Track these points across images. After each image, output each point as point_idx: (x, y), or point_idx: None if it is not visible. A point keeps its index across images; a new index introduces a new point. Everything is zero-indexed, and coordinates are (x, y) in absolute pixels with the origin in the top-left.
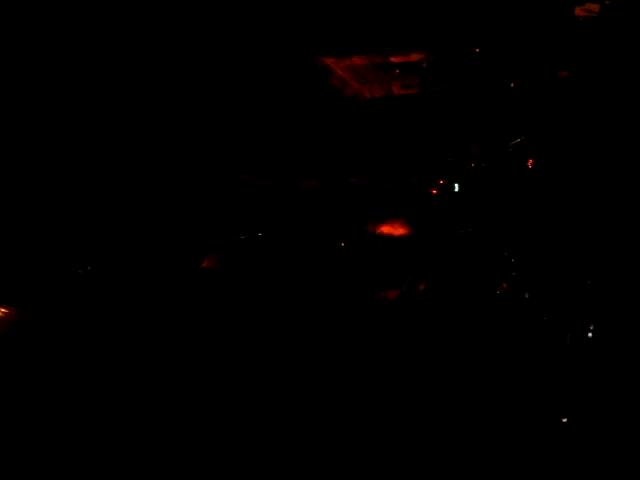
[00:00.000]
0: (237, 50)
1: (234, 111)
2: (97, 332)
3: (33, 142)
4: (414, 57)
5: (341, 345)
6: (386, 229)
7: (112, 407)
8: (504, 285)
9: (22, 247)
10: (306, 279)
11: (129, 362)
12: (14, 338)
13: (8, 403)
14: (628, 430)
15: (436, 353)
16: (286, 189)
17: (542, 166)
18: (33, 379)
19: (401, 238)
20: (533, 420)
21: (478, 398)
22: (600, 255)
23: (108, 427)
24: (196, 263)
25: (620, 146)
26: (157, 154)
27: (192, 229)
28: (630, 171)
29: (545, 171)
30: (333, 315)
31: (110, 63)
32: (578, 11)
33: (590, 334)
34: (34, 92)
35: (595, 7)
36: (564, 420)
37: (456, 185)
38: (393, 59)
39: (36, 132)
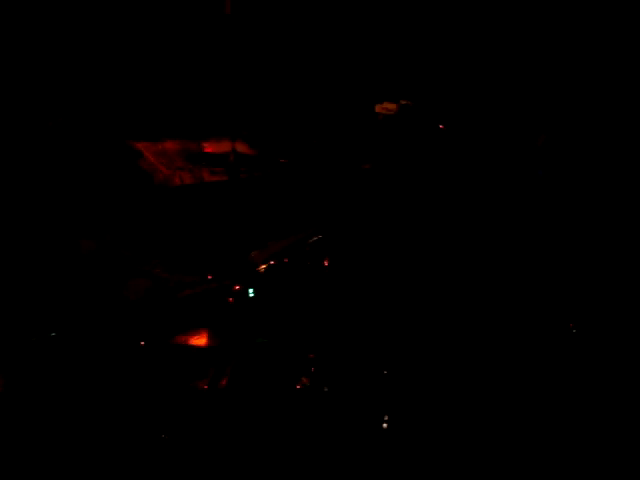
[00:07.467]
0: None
1: None
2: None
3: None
4: (224, 146)
5: None
6: (191, 339)
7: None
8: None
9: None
10: None
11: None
12: None
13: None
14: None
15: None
16: None
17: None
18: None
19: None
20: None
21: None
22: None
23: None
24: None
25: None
26: None
27: None
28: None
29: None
30: None
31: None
32: (378, 108)
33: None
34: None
35: (392, 106)
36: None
37: (250, 290)
38: (205, 146)
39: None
